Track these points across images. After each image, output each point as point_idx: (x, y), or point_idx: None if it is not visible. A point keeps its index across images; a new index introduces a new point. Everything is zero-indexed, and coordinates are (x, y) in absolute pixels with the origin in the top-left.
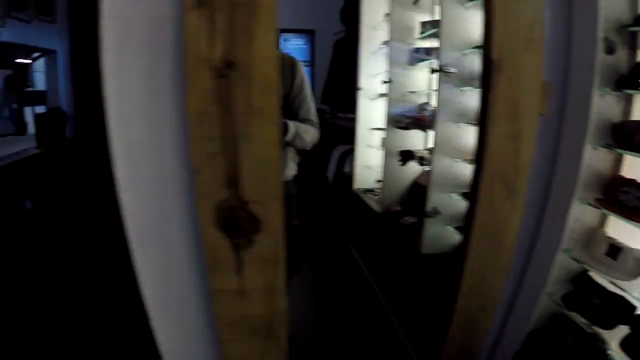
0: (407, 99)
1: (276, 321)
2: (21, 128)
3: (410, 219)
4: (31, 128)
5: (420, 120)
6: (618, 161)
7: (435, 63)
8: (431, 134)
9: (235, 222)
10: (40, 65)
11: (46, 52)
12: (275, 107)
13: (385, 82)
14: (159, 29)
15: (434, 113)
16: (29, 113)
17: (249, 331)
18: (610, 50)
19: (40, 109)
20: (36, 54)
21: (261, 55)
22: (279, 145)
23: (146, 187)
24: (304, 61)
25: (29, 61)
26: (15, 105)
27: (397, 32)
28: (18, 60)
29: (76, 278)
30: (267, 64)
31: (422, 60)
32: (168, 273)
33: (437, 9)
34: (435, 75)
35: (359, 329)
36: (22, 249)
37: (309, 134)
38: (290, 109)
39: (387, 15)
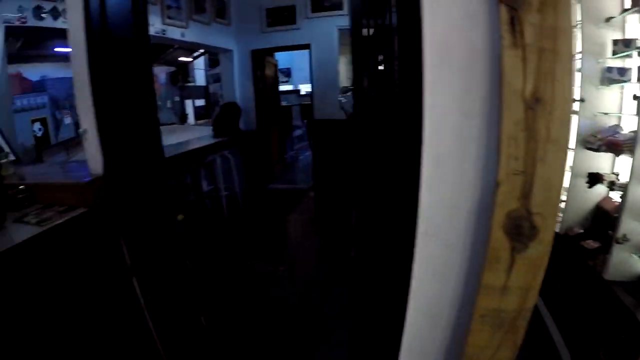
0: (597, 119)
1: (521, 317)
2: (182, 118)
3: (593, 243)
4: (191, 118)
5: (614, 143)
6: None
7: (628, 85)
8: (623, 159)
9: (519, 229)
10: (200, 63)
11: (223, 52)
12: (566, 139)
13: (577, 100)
14: (474, 59)
15: (628, 138)
16: (189, 105)
17: (497, 324)
18: None
19: (200, 102)
20: (197, 53)
21: (561, 95)
22: (564, 170)
23: (445, 191)
24: None
25: (190, 59)
26: (177, 98)
27: (589, 49)
28: (181, 59)
29: (245, 249)
30: (565, 103)
31: (616, 81)
32: (443, 264)
33: (628, 27)
34: (633, 100)
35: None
36: (200, 225)
37: None
38: None
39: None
